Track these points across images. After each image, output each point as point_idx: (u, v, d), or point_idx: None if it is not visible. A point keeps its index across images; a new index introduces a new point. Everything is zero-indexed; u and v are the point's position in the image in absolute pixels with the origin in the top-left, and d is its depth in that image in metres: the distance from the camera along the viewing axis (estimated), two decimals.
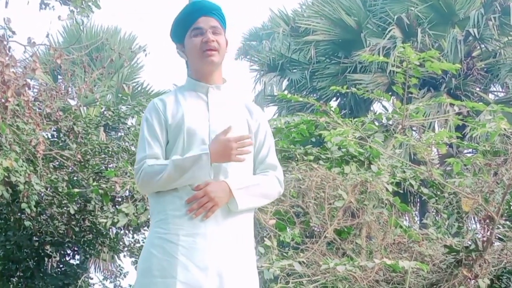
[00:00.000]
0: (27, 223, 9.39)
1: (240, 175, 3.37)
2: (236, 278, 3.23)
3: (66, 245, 10.78)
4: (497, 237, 6.92)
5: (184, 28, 3.45)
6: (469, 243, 6.65)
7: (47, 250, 10.87)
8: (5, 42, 8.27)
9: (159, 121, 3.36)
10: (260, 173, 3.50)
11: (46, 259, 11.00)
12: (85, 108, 15.22)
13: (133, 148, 10.79)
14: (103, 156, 10.56)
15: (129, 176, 8.31)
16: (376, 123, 8.68)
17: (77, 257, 11.84)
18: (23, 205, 8.51)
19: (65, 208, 9.55)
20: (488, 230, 6.44)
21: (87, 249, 10.93)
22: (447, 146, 8.66)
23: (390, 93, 11.20)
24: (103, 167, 10.31)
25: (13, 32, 8.57)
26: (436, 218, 8.84)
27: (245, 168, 3.42)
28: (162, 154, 3.34)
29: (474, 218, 8.16)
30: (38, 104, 9.44)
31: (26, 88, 8.21)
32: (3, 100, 7.75)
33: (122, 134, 12.19)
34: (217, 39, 3.40)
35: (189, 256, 3.16)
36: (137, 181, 3.32)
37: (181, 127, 3.33)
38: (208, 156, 3.22)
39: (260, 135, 3.53)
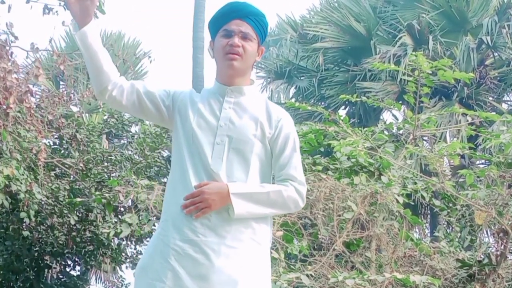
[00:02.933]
0: (25, 233, 9.32)
1: (248, 179, 3.26)
2: None
3: (67, 255, 10.70)
4: (511, 251, 6.88)
5: (217, 26, 3.39)
6: (482, 257, 6.75)
7: (47, 260, 10.82)
8: (7, 48, 8.21)
9: (163, 92, 3.39)
10: (279, 183, 3.35)
11: (46, 269, 10.98)
12: (87, 115, 15.20)
13: (136, 157, 10.70)
14: (106, 164, 10.47)
15: (132, 186, 8.20)
16: (387, 133, 8.62)
17: (77, 268, 11.80)
18: (22, 214, 8.46)
19: (66, 218, 9.46)
20: (502, 244, 6.56)
21: (88, 260, 10.87)
22: (459, 157, 8.56)
23: (400, 102, 11.09)
24: (106, 176, 10.22)
25: (16, 37, 8.55)
26: (448, 231, 8.81)
27: (256, 175, 3.30)
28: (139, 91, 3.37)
29: (487, 231, 8.17)
30: (40, 110, 9.34)
31: (29, 95, 8.13)
32: (4, 107, 7.64)
33: (126, 142, 12.17)
34: (244, 45, 3.31)
35: (181, 262, 3.11)
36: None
37: (192, 124, 3.30)
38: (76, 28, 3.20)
39: (280, 142, 3.36)
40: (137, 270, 3.27)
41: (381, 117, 17.31)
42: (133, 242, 10.81)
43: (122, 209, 9.67)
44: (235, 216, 3.17)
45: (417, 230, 10.84)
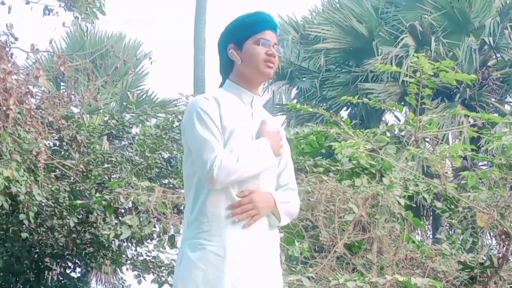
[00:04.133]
0: (24, 234, 9.30)
1: (273, 187, 3.44)
2: None
3: (67, 257, 10.67)
4: None
5: (248, 32, 3.46)
6: (484, 259, 6.78)
7: (47, 262, 10.81)
8: (7, 49, 8.20)
9: (216, 119, 3.31)
10: (283, 192, 3.51)
11: (46, 271, 10.95)
12: (88, 116, 15.15)
13: (137, 158, 10.66)
14: (106, 166, 10.43)
15: (133, 187, 8.18)
16: (388, 134, 8.61)
17: (78, 269, 11.78)
18: (22, 216, 8.44)
19: (66, 219, 9.44)
20: (504, 246, 6.66)
21: (89, 261, 10.83)
22: (461, 159, 8.54)
23: (402, 103, 11.06)
24: (106, 178, 10.18)
25: (16, 38, 8.56)
26: (450, 233, 8.79)
27: (274, 183, 3.47)
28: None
29: (489, 233, 8.17)
30: (40, 112, 9.31)
31: (29, 96, 8.11)
32: (4, 108, 7.62)
33: (126, 143, 12.13)
34: (276, 56, 3.47)
35: (236, 271, 3.16)
36: (213, 177, 3.19)
37: (229, 134, 3.31)
38: (269, 145, 3.33)
39: (285, 155, 3.56)
40: (181, 284, 3.23)
41: (383, 118, 17.28)
42: (134, 244, 10.76)
43: (122, 210, 9.63)
44: (281, 224, 3.38)
45: (419, 232, 10.85)
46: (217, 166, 3.14)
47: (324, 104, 17.92)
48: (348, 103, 16.89)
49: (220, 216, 3.21)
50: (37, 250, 10.39)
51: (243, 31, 3.45)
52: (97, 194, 9.14)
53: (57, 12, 9.67)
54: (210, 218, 3.23)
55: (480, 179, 7.78)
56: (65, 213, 9.54)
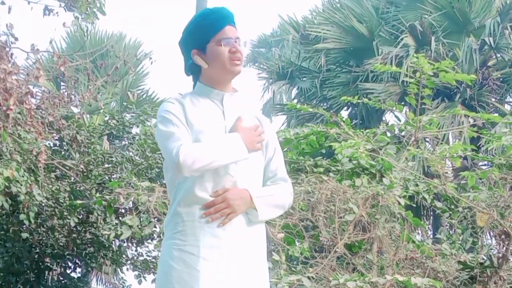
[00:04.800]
0: (24, 235, 9.31)
1: (256, 185, 3.35)
2: None
3: (67, 257, 10.68)
4: None
5: (208, 34, 3.40)
6: (484, 259, 6.81)
7: (47, 262, 10.81)
8: (7, 49, 8.20)
9: (181, 117, 3.30)
10: (271, 184, 3.45)
11: (46, 271, 10.95)
12: (88, 116, 15.16)
13: (137, 158, 10.66)
14: (106, 166, 10.43)
15: (133, 188, 8.19)
16: (388, 134, 8.61)
17: (78, 270, 11.78)
18: (22, 216, 8.45)
19: (66, 219, 9.45)
20: (503, 246, 6.63)
21: (89, 262, 10.85)
22: (462, 159, 8.55)
23: (402, 103, 11.05)
24: (107, 178, 10.18)
25: (16, 39, 8.55)
26: (450, 233, 8.78)
27: (259, 178, 3.40)
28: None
29: (489, 233, 8.16)
30: (41, 112, 9.31)
31: (29, 96, 8.11)
32: (4, 108, 7.63)
33: (126, 143, 12.13)
34: (241, 50, 3.41)
35: (211, 269, 3.12)
36: (179, 162, 3.14)
37: (197, 134, 3.27)
38: (241, 139, 3.24)
39: (270, 148, 3.48)
40: (158, 286, 3.25)
41: (383, 118, 17.26)
42: (134, 244, 10.77)
43: (122, 211, 9.63)
44: (259, 219, 3.27)
45: (419, 232, 10.82)
46: (183, 151, 3.11)
47: (325, 104, 17.91)
48: (348, 103, 16.86)
49: (195, 216, 3.19)
50: (38, 250, 10.40)
51: (203, 34, 3.40)
52: (98, 194, 9.17)
53: (57, 12, 9.68)
54: (184, 218, 3.21)
55: (480, 179, 7.79)
56: (65, 213, 9.55)
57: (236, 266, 3.16)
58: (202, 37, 3.39)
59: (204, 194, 3.20)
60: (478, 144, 12.33)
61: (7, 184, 7.99)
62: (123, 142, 12.51)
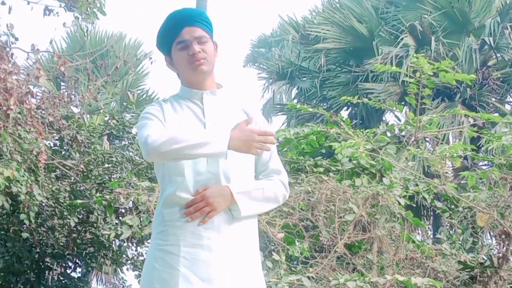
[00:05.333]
0: (24, 234, 9.31)
1: (242, 179, 3.30)
2: None
3: (67, 257, 10.67)
4: None
5: (169, 41, 3.41)
6: (484, 259, 6.80)
7: (48, 262, 10.79)
8: (8, 49, 8.17)
9: (159, 116, 3.31)
10: (263, 178, 3.44)
11: (46, 271, 10.94)
12: (88, 116, 15.16)
13: (137, 158, 10.66)
14: (106, 166, 10.43)
15: (133, 187, 8.19)
16: (388, 134, 8.60)
17: (78, 269, 11.77)
18: (22, 216, 8.45)
19: (66, 219, 9.44)
20: (504, 246, 6.61)
21: (89, 261, 10.84)
22: (462, 159, 8.55)
23: (402, 103, 11.04)
24: (107, 178, 10.17)
25: (16, 39, 8.52)
26: (450, 232, 8.77)
27: (247, 173, 3.36)
28: None
29: (489, 233, 8.17)
30: (41, 112, 9.31)
31: (29, 96, 8.10)
32: (5, 108, 7.61)
33: (127, 143, 12.13)
34: (204, 48, 3.36)
35: (191, 268, 3.11)
36: (147, 144, 3.15)
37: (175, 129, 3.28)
38: (228, 135, 3.13)
39: None
40: (142, 286, 3.26)
41: (383, 118, 17.26)
42: (134, 244, 10.75)
43: (123, 210, 9.61)
44: (242, 215, 3.22)
45: (419, 232, 10.81)
46: (153, 135, 3.13)
47: (324, 104, 17.92)
48: (348, 103, 16.87)
49: (175, 216, 3.19)
50: (38, 250, 10.38)
51: (165, 41, 3.42)
52: (98, 194, 9.16)
53: (57, 13, 9.64)
54: (166, 218, 3.21)
55: (480, 179, 7.80)
56: (65, 213, 9.54)
57: (218, 264, 3.13)
58: (166, 45, 3.43)
59: (186, 194, 3.19)
60: (478, 144, 12.32)
61: (7, 184, 7.98)
62: (123, 142, 12.50)
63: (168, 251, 3.15)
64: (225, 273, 3.14)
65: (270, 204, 3.40)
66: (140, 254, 10.89)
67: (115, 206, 8.56)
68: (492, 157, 8.28)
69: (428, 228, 14.15)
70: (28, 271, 10.66)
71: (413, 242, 6.85)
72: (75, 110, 11.48)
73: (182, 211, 3.17)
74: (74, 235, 10.08)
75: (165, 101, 3.47)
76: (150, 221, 7.33)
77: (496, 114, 12.50)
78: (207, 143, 3.09)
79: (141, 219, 7.40)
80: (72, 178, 10.06)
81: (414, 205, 8.72)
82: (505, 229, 6.38)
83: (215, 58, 3.43)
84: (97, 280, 16.96)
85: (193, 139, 3.09)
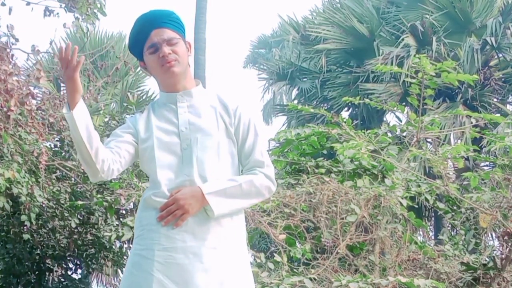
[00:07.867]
0: (25, 236, 9.30)
1: (221, 175, 3.27)
2: None
3: (68, 258, 10.67)
4: None
5: (139, 45, 3.40)
6: (487, 260, 6.77)
7: (48, 264, 10.79)
8: (8, 50, 8.16)
9: (128, 129, 3.36)
10: (247, 172, 3.37)
11: (47, 273, 10.93)
12: None
13: (138, 160, 10.64)
14: None
15: (134, 188, 8.17)
16: (390, 135, 8.57)
17: (79, 271, 11.74)
18: (23, 217, 8.47)
19: (67, 220, 9.43)
20: (507, 247, 6.53)
21: (90, 263, 10.82)
22: (464, 160, 8.53)
23: (404, 104, 11.01)
24: None
25: (16, 40, 8.51)
26: (452, 234, 8.76)
27: (226, 170, 3.31)
28: (117, 146, 3.32)
29: (492, 234, 8.14)
30: (41, 113, 9.29)
31: (30, 97, 8.08)
32: (5, 109, 7.61)
33: None
34: (174, 50, 3.34)
35: (165, 272, 3.11)
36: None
37: (151, 139, 3.29)
38: (67, 108, 3.14)
39: (242, 129, 3.41)
40: None
41: (384, 119, 17.26)
42: None
43: (123, 212, 9.62)
44: (216, 215, 3.18)
45: (421, 233, 10.80)
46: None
47: (325, 105, 17.91)
48: (349, 104, 16.86)
49: (151, 220, 3.19)
50: (38, 252, 10.38)
51: (136, 46, 3.41)
52: (99, 195, 9.17)
53: (57, 13, 9.66)
54: (143, 223, 3.22)
55: (483, 180, 7.79)
56: (66, 214, 9.53)
57: (194, 267, 3.11)
58: (138, 49, 3.44)
59: (160, 198, 3.19)
60: (480, 145, 12.29)
61: (8, 185, 7.97)
62: None
63: (143, 255, 3.16)
64: (201, 275, 3.11)
65: (251, 200, 3.35)
66: None
67: (116, 207, 8.57)
68: (494, 158, 8.27)
69: (430, 229, 14.14)
70: (29, 272, 10.65)
71: (415, 243, 6.86)
72: None
73: (158, 215, 3.18)
74: (75, 236, 10.06)
75: (142, 111, 3.47)
76: None
77: (498, 115, 12.47)
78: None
79: None
80: (73, 179, 10.05)
81: (416, 206, 8.69)
82: (508, 230, 6.38)
83: (188, 58, 3.41)
84: (97, 282, 16.95)
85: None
